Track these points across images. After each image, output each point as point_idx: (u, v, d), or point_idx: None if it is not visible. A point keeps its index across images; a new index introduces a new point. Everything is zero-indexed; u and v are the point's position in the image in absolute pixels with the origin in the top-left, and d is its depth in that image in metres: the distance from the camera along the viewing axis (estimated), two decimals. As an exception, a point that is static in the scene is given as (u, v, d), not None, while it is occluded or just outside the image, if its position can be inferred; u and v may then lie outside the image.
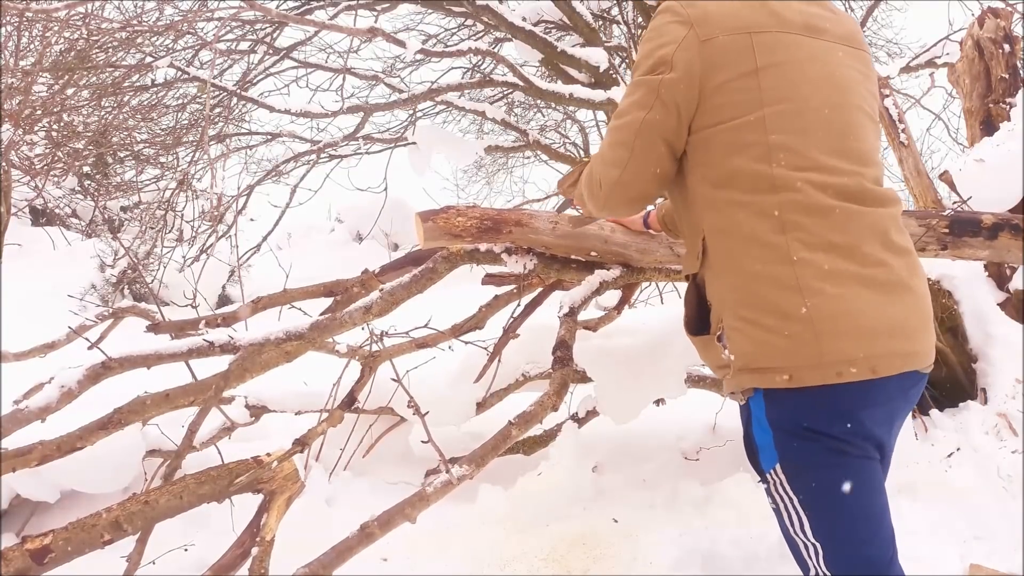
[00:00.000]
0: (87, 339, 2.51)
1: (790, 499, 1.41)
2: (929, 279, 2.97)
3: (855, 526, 1.38)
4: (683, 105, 1.43)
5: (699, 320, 1.53)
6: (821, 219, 1.35)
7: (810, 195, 1.35)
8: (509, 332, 2.78)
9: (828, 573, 1.39)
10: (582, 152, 8.69)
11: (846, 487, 1.37)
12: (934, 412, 3.03)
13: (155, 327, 2.86)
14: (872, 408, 1.37)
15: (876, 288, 1.34)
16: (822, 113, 1.41)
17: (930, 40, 5.00)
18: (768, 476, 1.44)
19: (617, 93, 4.61)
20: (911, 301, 1.38)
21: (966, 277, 3.26)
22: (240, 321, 2.96)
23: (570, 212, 2.55)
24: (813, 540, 1.40)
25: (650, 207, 2.16)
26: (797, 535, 1.42)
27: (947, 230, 2.49)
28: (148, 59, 5.44)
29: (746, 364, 1.37)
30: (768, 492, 1.47)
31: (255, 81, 6.06)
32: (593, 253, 2.48)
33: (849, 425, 1.35)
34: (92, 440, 2.25)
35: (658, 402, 3.04)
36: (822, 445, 1.36)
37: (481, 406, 3.14)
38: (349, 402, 2.73)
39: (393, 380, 2.67)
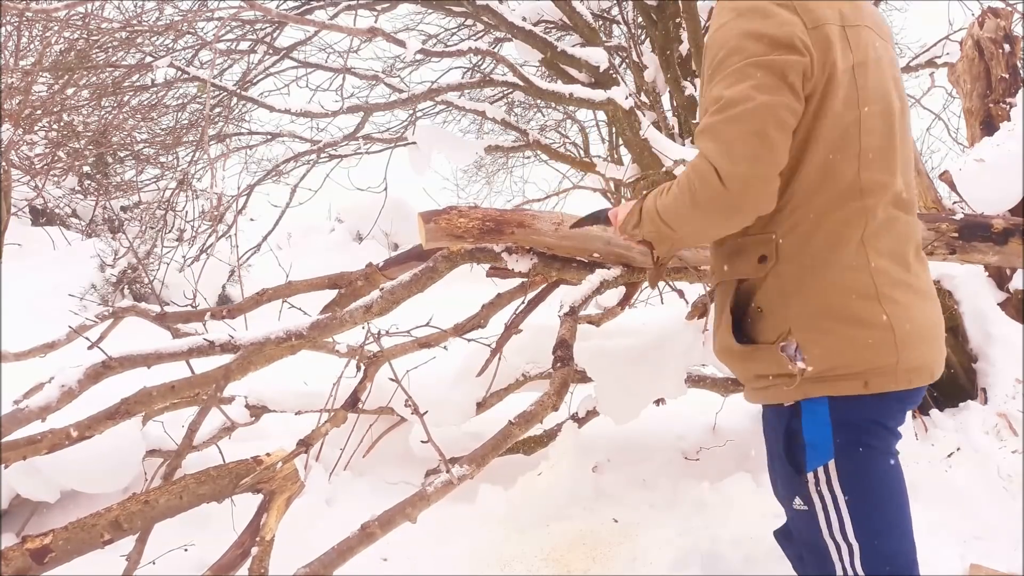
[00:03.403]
0: (87, 339, 2.51)
1: (834, 498, 1.37)
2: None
3: (895, 524, 1.39)
4: (802, 90, 1.29)
5: (736, 329, 1.44)
6: (888, 228, 1.36)
7: (882, 203, 1.36)
8: (512, 327, 2.78)
9: (861, 574, 1.37)
10: (582, 152, 8.69)
11: (889, 486, 1.39)
12: (934, 412, 3.03)
13: (161, 316, 2.87)
14: (903, 416, 1.44)
15: (921, 296, 1.39)
16: (893, 116, 1.39)
17: (930, 40, 5.01)
18: (812, 474, 1.38)
19: (617, 93, 4.60)
20: (937, 308, 1.45)
21: (966, 277, 3.26)
22: (245, 313, 2.96)
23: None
24: (852, 540, 1.37)
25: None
26: (833, 535, 1.38)
27: (956, 234, 2.49)
28: (148, 59, 5.44)
29: (822, 373, 1.34)
30: (801, 490, 1.40)
31: (255, 81, 6.06)
32: (596, 254, 2.48)
33: (898, 422, 1.41)
34: (100, 429, 2.27)
35: (658, 402, 3.04)
36: (880, 446, 1.38)
37: (481, 406, 3.14)
38: (352, 402, 2.73)
39: (391, 380, 2.67)
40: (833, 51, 1.31)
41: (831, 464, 1.37)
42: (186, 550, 2.37)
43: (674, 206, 1.39)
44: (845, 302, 1.33)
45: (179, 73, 5.01)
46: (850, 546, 1.38)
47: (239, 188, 5.98)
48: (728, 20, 1.33)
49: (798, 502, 1.42)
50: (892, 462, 1.41)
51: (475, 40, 6.70)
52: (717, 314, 1.49)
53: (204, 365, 2.55)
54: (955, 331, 3.21)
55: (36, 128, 6.46)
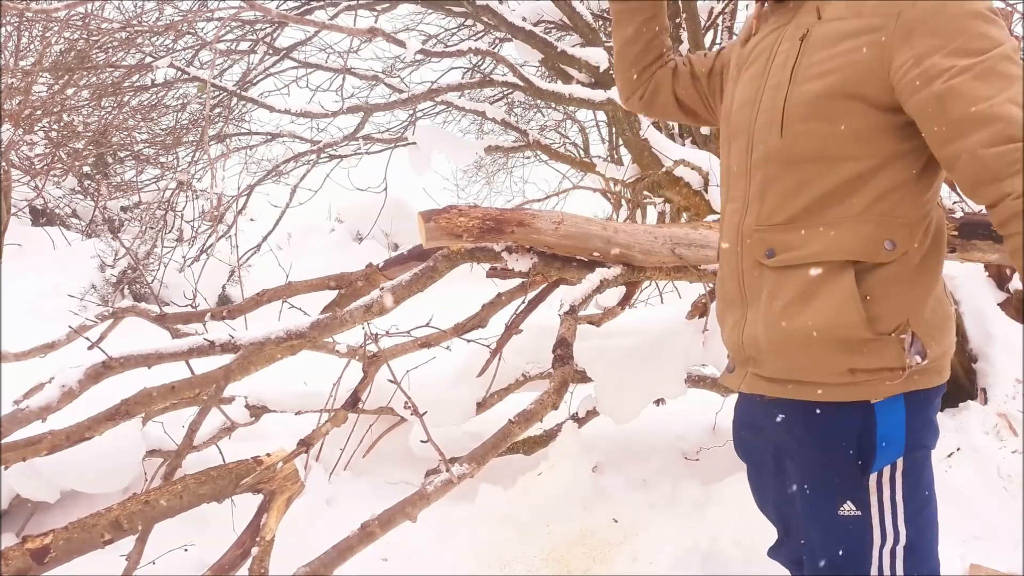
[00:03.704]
0: (87, 339, 2.51)
1: (893, 495, 1.32)
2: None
3: (936, 524, 1.41)
4: None
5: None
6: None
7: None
8: (512, 327, 2.78)
9: (901, 572, 1.34)
10: (582, 152, 8.69)
11: (933, 485, 1.40)
12: (934, 412, 3.03)
13: (161, 317, 2.87)
14: None
15: None
16: None
17: (930, 40, 4.99)
18: (876, 474, 1.31)
19: (617, 93, 4.60)
20: None
21: (966, 277, 3.26)
22: (245, 313, 2.96)
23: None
24: (903, 539, 1.34)
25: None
26: (885, 540, 1.33)
27: (956, 232, 2.49)
28: (148, 59, 5.44)
29: (928, 366, 1.33)
30: (857, 494, 1.32)
31: (255, 81, 6.05)
32: (596, 254, 2.48)
33: None
34: (100, 430, 2.26)
35: (658, 402, 3.04)
36: (932, 447, 1.39)
37: (481, 406, 3.14)
38: (353, 402, 2.73)
39: (390, 381, 2.67)
40: None
41: (899, 462, 1.32)
42: (186, 550, 2.38)
43: None
44: (940, 296, 1.38)
45: (179, 73, 5.01)
46: (897, 538, 1.33)
47: (239, 188, 5.99)
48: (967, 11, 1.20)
49: (848, 507, 1.32)
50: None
51: (475, 40, 6.70)
52: (819, 297, 1.31)
53: (204, 365, 2.55)
54: (955, 331, 3.21)
55: (36, 128, 6.46)
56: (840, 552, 1.33)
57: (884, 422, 1.31)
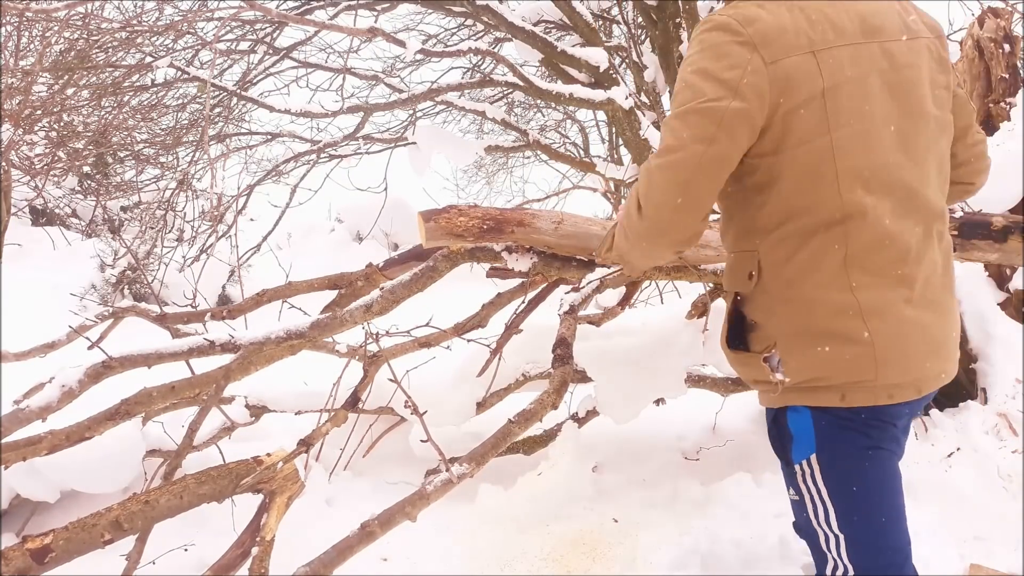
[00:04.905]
0: (87, 339, 2.51)
1: (818, 490, 1.43)
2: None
3: (879, 518, 1.42)
4: (747, 135, 1.33)
5: (736, 336, 1.52)
6: (882, 248, 1.34)
7: (874, 223, 1.33)
8: (512, 327, 2.78)
9: (848, 563, 1.42)
10: (582, 152, 8.68)
11: (875, 481, 1.41)
12: (934, 412, 3.03)
13: (161, 317, 2.87)
14: (907, 417, 1.46)
15: (925, 310, 1.38)
16: (888, 131, 1.36)
17: (930, 40, 4.99)
18: (799, 466, 1.46)
19: (617, 93, 4.60)
20: (950, 321, 1.44)
21: (966, 277, 3.26)
22: (245, 313, 2.96)
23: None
24: (837, 531, 1.43)
25: None
26: (820, 526, 1.45)
27: (956, 232, 2.49)
28: (148, 59, 5.44)
29: (800, 384, 1.40)
30: (792, 481, 1.49)
31: (255, 81, 6.06)
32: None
33: (887, 432, 1.42)
34: (100, 430, 2.27)
35: (658, 402, 3.04)
36: (860, 443, 1.40)
37: (481, 406, 3.14)
38: (353, 402, 2.73)
39: (391, 381, 2.67)
40: (793, 83, 1.32)
41: (813, 457, 1.43)
42: (186, 550, 2.38)
43: (619, 233, 1.57)
44: (824, 319, 1.35)
45: (179, 73, 5.01)
46: (836, 536, 1.43)
47: (239, 188, 5.99)
48: (693, 52, 1.39)
49: (792, 492, 1.51)
50: (882, 455, 1.43)
51: (475, 40, 6.70)
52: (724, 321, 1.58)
53: (204, 365, 2.55)
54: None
55: (36, 128, 6.46)
56: (799, 525, 1.55)
57: (793, 419, 1.45)
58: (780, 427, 1.48)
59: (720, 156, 1.32)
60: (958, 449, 2.81)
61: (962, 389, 3.16)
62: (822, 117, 1.32)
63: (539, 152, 6.38)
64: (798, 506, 1.50)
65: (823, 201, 1.34)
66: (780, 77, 1.31)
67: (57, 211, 8.11)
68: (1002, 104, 3.40)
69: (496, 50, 5.69)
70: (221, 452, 2.77)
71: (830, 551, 1.44)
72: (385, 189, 5.70)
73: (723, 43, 1.33)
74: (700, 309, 2.96)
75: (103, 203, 8.12)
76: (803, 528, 1.52)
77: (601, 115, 7.72)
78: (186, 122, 6.33)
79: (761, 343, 1.45)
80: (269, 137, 6.13)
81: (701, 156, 1.31)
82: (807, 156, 1.33)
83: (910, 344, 1.35)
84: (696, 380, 3.13)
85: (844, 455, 1.41)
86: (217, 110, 6.12)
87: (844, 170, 1.33)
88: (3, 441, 2.12)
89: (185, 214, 6.49)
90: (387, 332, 2.82)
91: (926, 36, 1.45)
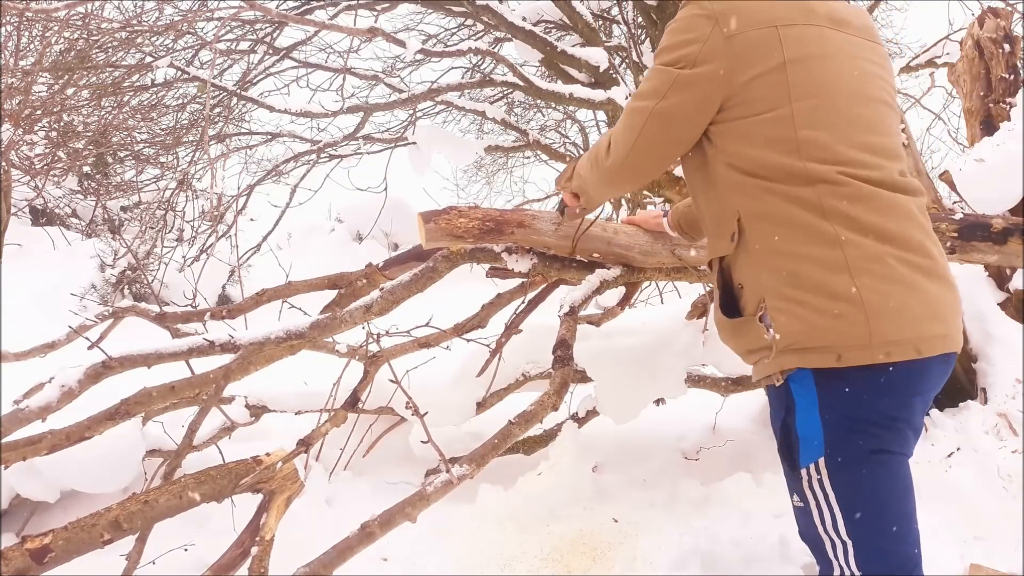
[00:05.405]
0: (87, 339, 2.51)
1: (825, 495, 1.41)
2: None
3: (889, 523, 1.40)
4: (702, 100, 1.46)
5: (729, 304, 1.53)
6: (864, 204, 1.37)
7: (849, 183, 1.37)
8: (512, 328, 2.78)
9: (857, 572, 1.39)
10: (582, 152, 8.68)
11: (885, 485, 1.39)
12: (934, 412, 3.03)
13: (161, 317, 2.87)
14: (920, 395, 1.41)
15: (921, 273, 1.37)
16: (850, 108, 1.42)
17: (930, 40, 5.00)
18: (805, 471, 1.42)
19: (617, 93, 4.60)
20: (949, 289, 1.43)
21: (966, 277, 3.26)
22: (245, 313, 2.96)
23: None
24: (845, 537, 1.39)
25: (666, 207, 2.22)
26: (827, 532, 1.42)
27: (956, 234, 2.48)
28: (148, 59, 5.44)
29: (792, 344, 1.37)
30: (797, 487, 1.45)
31: (255, 81, 6.06)
32: (596, 255, 2.48)
33: (901, 412, 1.39)
34: (100, 430, 2.26)
35: (658, 402, 3.04)
36: (869, 446, 1.38)
37: (481, 406, 3.14)
38: (352, 402, 2.72)
39: (391, 381, 2.67)
40: (753, 55, 1.42)
41: (821, 461, 1.40)
42: (186, 550, 2.37)
43: (586, 163, 1.76)
44: (812, 274, 1.36)
45: (179, 73, 5.02)
46: (844, 543, 1.40)
47: (239, 188, 5.99)
48: (672, 23, 1.53)
49: (796, 499, 1.46)
50: (892, 459, 1.40)
51: (475, 40, 6.70)
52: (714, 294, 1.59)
53: (204, 365, 2.55)
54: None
55: (36, 128, 6.45)
56: (802, 532, 1.51)
57: (803, 406, 1.40)
58: (787, 430, 1.45)
59: (665, 111, 1.50)
60: (958, 449, 2.80)
61: (962, 389, 3.16)
62: (783, 89, 1.40)
63: (539, 152, 6.39)
64: (803, 513, 1.46)
65: (786, 165, 1.39)
66: (738, 50, 1.42)
67: (57, 211, 8.10)
68: (1002, 104, 3.40)
69: (496, 50, 5.70)
70: (221, 452, 2.77)
71: (837, 558, 1.41)
72: (385, 189, 5.71)
73: (690, 17, 1.48)
74: (700, 309, 2.96)
75: (103, 203, 8.12)
76: (808, 536, 1.48)
77: (601, 115, 7.71)
78: (186, 122, 6.33)
79: (752, 304, 1.45)
80: (269, 137, 6.13)
81: (651, 109, 1.52)
82: (767, 123, 1.41)
83: (903, 301, 1.34)
84: (696, 380, 3.13)
85: (852, 458, 1.38)
86: (217, 110, 6.12)
87: (804, 139, 1.39)
88: (3, 441, 2.12)
89: (185, 214, 6.48)
90: (387, 332, 2.82)
91: (882, 46, 1.56)
